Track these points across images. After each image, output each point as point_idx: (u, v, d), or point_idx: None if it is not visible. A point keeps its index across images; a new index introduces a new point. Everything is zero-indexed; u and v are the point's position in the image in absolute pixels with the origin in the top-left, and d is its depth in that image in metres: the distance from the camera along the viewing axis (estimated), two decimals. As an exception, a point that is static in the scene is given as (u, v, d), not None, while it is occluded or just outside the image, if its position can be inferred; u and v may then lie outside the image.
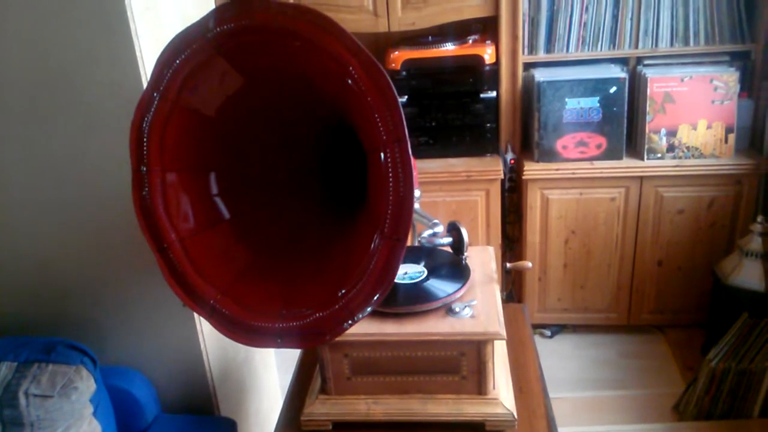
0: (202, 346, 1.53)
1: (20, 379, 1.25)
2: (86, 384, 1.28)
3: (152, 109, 1.00)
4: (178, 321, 1.50)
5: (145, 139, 1.01)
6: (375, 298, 0.91)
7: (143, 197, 1.03)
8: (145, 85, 1.28)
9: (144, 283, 1.47)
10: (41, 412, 1.23)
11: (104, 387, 1.38)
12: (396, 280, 1.08)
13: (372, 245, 0.90)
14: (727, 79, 2.37)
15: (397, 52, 2.49)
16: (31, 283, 1.51)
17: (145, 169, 1.02)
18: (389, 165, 0.87)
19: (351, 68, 0.88)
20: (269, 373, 2.07)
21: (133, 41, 1.27)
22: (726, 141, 2.42)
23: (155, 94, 0.99)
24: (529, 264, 1.32)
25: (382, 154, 0.88)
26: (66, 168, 1.40)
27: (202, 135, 1.07)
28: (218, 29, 0.95)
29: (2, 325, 1.53)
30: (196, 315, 1.50)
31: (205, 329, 1.54)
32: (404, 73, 2.49)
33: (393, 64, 2.48)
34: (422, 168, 2.50)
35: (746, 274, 2.31)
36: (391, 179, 0.87)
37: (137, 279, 1.47)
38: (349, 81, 0.88)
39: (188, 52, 0.97)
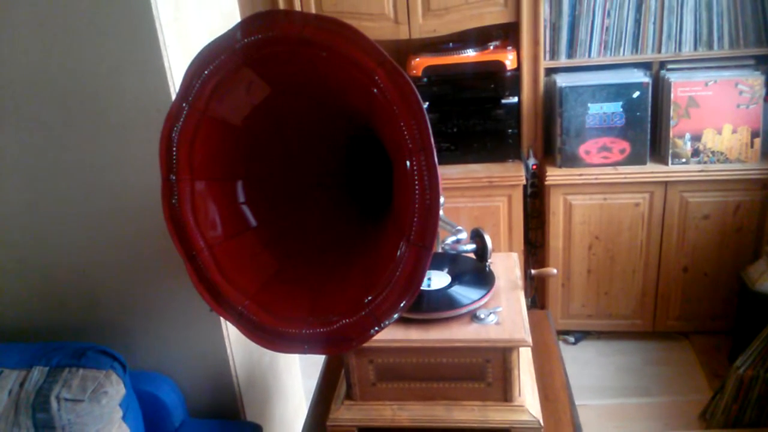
0: (228, 351, 1.55)
1: (52, 384, 1.28)
2: (116, 389, 1.30)
3: (181, 119, 1.02)
4: (205, 327, 1.52)
5: (174, 149, 1.03)
6: (402, 304, 0.91)
7: (172, 205, 1.04)
8: (173, 95, 1.31)
9: (171, 290, 1.49)
10: (72, 416, 1.25)
11: (133, 392, 1.40)
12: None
13: (398, 252, 0.91)
14: (753, 82, 2.34)
15: (418, 59, 2.50)
16: (63, 291, 1.54)
17: (174, 177, 1.04)
18: (415, 173, 0.88)
19: (377, 77, 0.88)
20: (293, 378, 2.08)
21: (161, 51, 1.29)
22: (752, 145, 2.39)
23: (184, 105, 1.01)
24: (554, 271, 1.31)
25: (408, 162, 0.88)
26: (95, 177, 1.42)
27: (229, 144, 1.09)
28: (245, 40, 0.96)
29: (34, 331, 1.57)
30: (222, 320, 1.52)
31: (232, 334, 1.55)
32: (425, 79, 2.50)
33: (414, 71, 2.49)
34: (444, 174, 2.47)
35: (774, 280, 2.28)
36: (417, 187, 0.88)
37: (165, 286, 1.49)
38: (375, 90, 0.89)
39: (216, 62, 0.99)
